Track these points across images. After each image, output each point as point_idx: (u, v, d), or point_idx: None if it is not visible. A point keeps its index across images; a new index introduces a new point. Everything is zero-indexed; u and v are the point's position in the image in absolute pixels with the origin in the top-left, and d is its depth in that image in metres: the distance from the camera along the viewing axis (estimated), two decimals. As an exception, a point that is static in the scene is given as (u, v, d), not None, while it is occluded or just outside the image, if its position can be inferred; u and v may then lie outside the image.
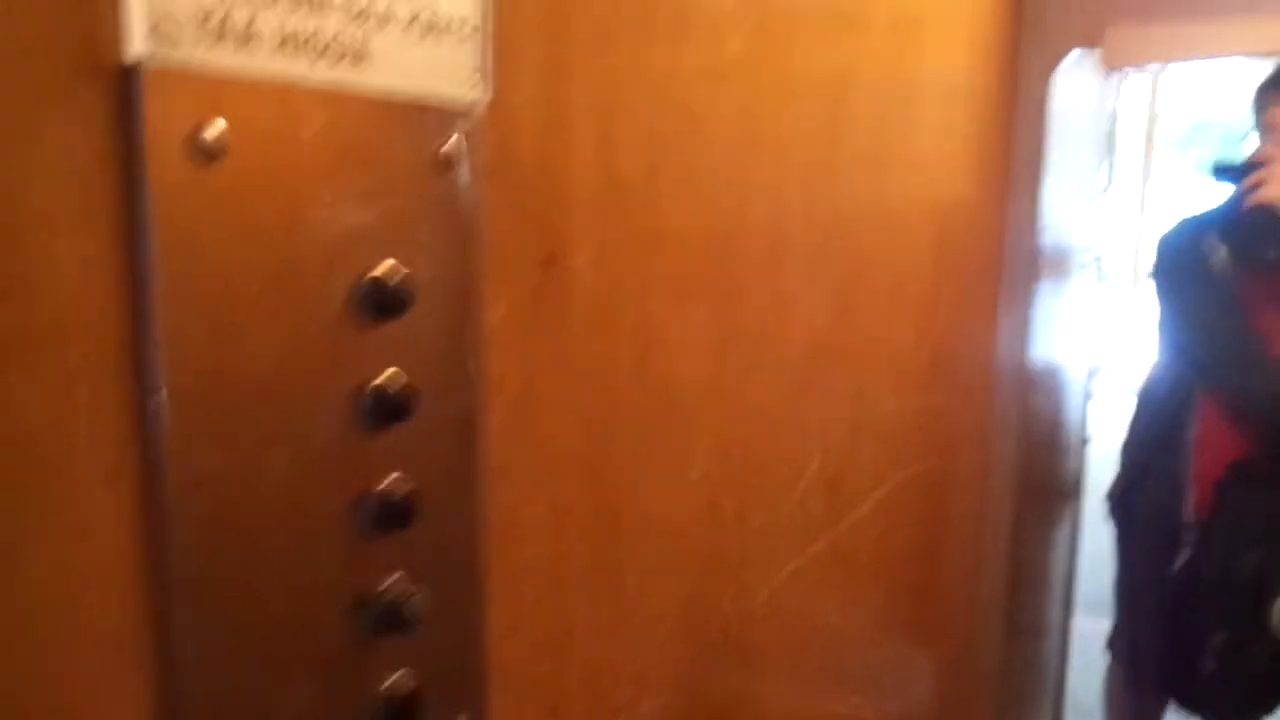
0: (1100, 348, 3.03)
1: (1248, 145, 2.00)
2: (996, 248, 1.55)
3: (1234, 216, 2.02)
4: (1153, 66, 2.58)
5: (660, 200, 0.71)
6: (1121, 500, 2.46)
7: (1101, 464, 2.60)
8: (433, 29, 0.48)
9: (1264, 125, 1.90)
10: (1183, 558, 2.33)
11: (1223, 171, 1.99)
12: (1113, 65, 1.41)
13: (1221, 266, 2.13)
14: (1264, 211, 1.94)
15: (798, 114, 0.90)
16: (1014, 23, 1.45)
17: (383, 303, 0.49)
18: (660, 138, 0.70)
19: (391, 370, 0.51)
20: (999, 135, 1.47)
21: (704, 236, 0.78)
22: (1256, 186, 1.93)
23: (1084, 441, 2.86)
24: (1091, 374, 2.97)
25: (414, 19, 0.48)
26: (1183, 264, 2.20)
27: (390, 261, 0.49)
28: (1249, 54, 1.44)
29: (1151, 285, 2.25)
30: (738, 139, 0.80)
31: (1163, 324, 2.27)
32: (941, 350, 1.38)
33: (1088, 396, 2.96)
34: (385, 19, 0.47)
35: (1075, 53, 1.42)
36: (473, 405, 0.56)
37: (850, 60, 0.98)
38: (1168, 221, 2.25)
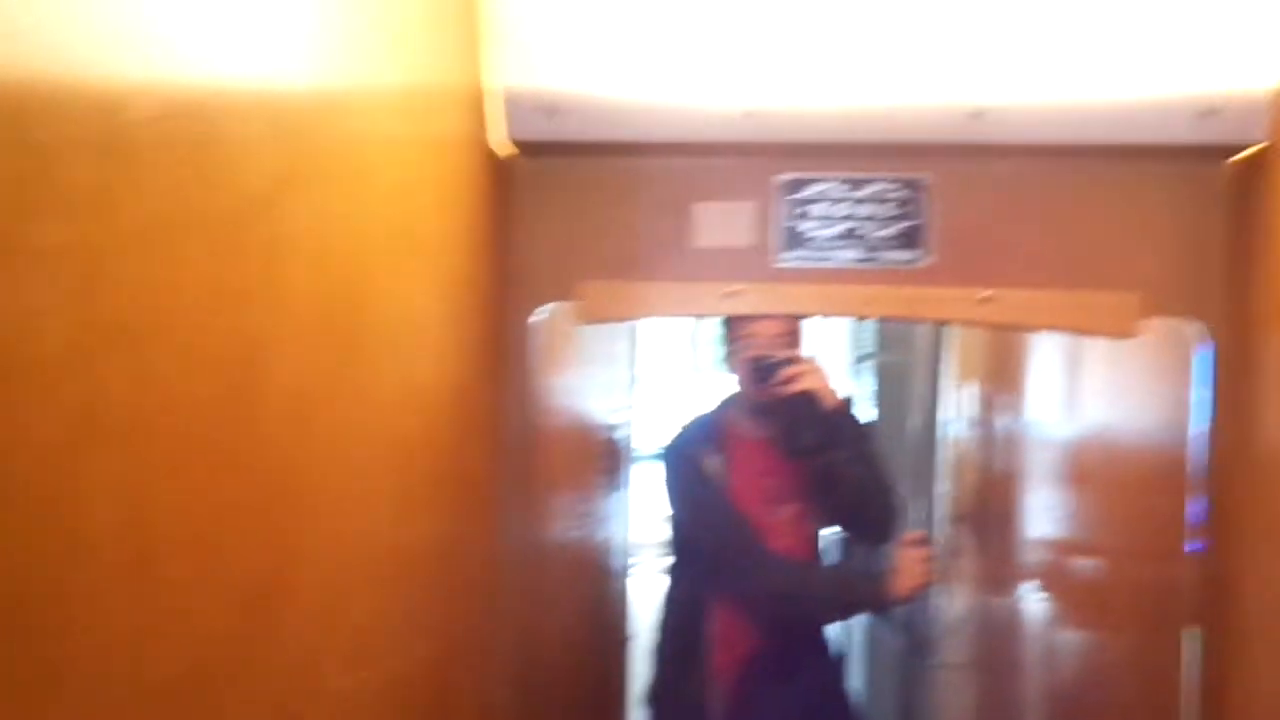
0: (640, 541, 3.17)
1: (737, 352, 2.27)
2: (487, 478, 1.54)
3: (773, 406, 2.24)
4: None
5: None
6: (655, 702, 2.51)
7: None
8: None
9: (758, 333, 2.18)
10: (713, 755, 2.40)
11: (757, 368, 2.21)
12: (586, 320, 1.51)
13: (719, 470, 2.33)
14: (804, 399, 2.19)
15: (192, 400, 0.81)
16: (495, 270, 1.50)
17: None
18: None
19: None
20: (485, 365, 1.49)
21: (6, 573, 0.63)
22: (794, 378, 2.20)
23: (626, 639, 2.91)
24: (629, 567, 3.05)
25: None
26: (685, 469, 2.37)
27: None
28: (705, 315, 1.61)
29: (663, 487, 2.38)
30: (71, 439, 0.68)
31: (671, 526, 2.41)
32: (427, 585, 1.30)
33: (626, 591, 3.03)
34: None
35: (552, 305, 1.51)
36: None
37: (263, 325, 0.91)
38: (675, 426, 2.43)
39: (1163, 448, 1.63)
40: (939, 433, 3.14)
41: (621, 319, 1.57)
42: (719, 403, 2.41)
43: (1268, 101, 1.38)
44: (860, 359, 3.60)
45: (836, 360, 3.66)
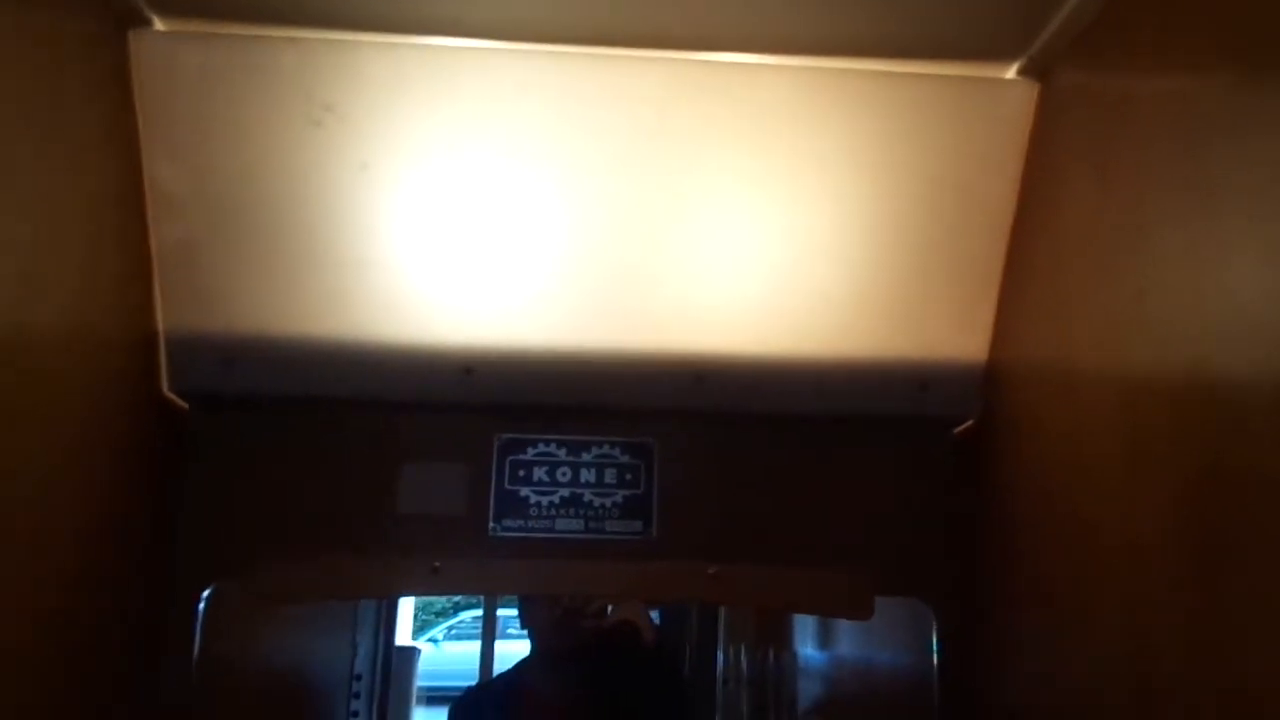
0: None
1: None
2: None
3: (581, 651, 2.04)
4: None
5: None
6: None
7: None
8: None
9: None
10: None
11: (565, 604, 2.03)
12: (265, 600, 1.29)
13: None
14: (622, 634, 2.00)
15: None
16: (158, 540, 1.27)
17: None
18: None
19: None
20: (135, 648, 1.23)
21: None
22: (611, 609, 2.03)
23: None
24: None
25: None
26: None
27: None
28: (408, 594, 1.42)
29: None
30: None
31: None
32: None
33: None
34: None
35: (222, 582, 1.29)
36: None
37: None
38: (466, 686, 2.27)
39: (914, 703, 1.55)
40: (717, 683, 2.98)
41: (307, 600, 1.35)
42: (513, 666, 2.20)
43: (978, 378, 1.38)
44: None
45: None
